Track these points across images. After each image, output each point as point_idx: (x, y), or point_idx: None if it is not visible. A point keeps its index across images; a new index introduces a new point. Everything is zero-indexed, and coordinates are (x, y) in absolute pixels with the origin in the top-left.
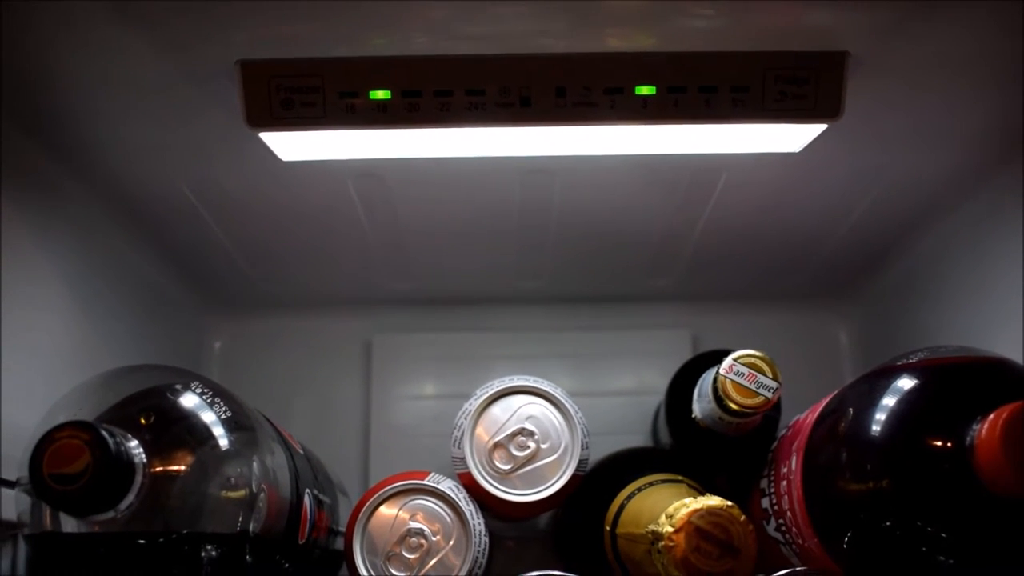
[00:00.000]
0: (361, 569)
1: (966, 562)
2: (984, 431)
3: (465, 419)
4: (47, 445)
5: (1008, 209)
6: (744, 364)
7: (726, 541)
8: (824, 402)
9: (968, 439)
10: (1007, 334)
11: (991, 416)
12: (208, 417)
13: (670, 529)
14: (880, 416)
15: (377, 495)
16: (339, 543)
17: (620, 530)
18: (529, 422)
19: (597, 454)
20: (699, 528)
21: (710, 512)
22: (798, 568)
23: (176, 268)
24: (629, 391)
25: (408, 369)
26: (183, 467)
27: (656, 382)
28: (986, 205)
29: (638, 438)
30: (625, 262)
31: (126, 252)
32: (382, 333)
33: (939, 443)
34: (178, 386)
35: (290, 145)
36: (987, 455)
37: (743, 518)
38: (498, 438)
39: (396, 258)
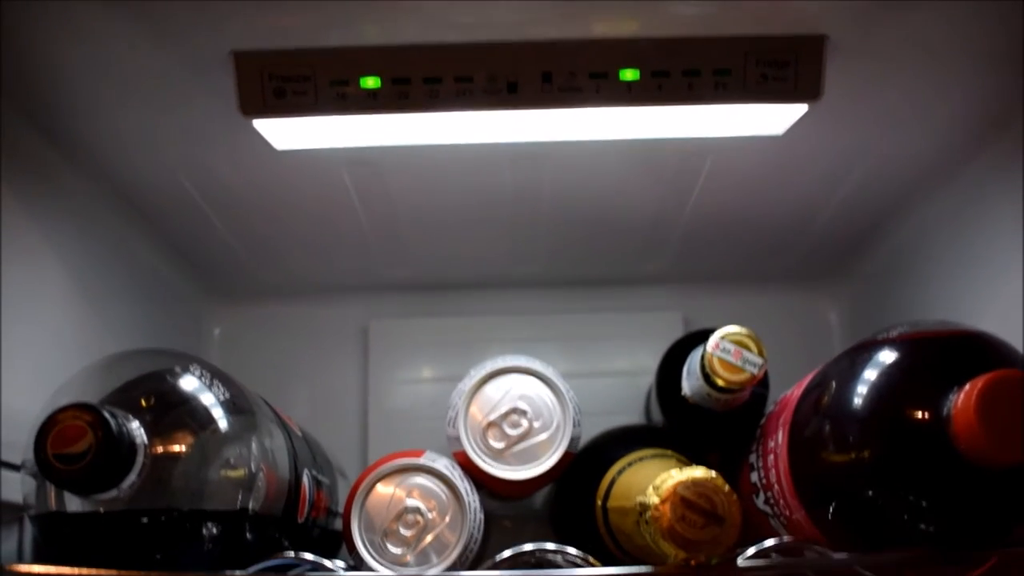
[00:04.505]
0: (359, 546)
1: (946, 530)
2: (960, 401)
3: (459, 399)
4: (51, 426)
5: (990, 187)
6: (730, 341)
7: (710, 510)
8: (809, 377)
9: (945, 410)
10: (994, 309)
11: (967, 386)
12: (207, 399)
13: (656, 500)
14: (861, 389)
15: (374, 474)
16: (338, 523)
17: (611, 504)
18: (522, 401)
19: (591, 434)
20: (684, 498)
21: (695, 482)
22: (784, 538)
23: (175, 256)
24: (622, 372)
25: (405, 354)
26: (183, 447)
27: (649, 363)
28: (969, 184)
29: (631, 418)
30: (616, 246)
31: (126, 240)
32: (379, 318)
33: (918, 414)
34: (178, 369)
35: (284, 133)
36: (963, 425)
37: (727, 488)
38: (492, 417)
39: (391, 245)
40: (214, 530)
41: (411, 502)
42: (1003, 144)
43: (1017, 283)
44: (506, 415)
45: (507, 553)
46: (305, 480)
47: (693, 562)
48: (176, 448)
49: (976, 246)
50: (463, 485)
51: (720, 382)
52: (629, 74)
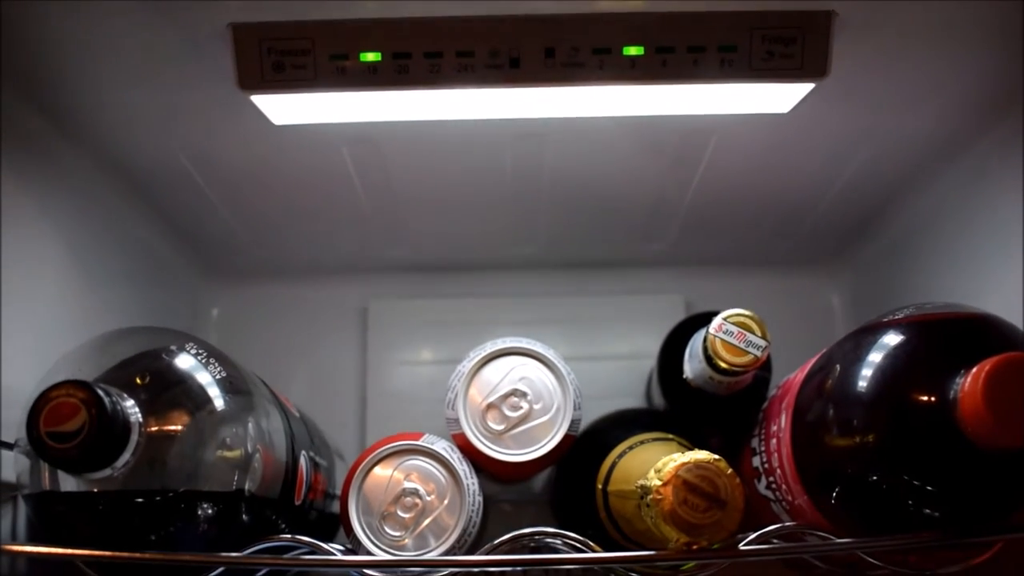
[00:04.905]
0: (357, 529)
1: (951, 514)
2: (967, 384)
3: (459, 381)
4: (44, 404)
5: (994, 170)
6: (733, 323)
7: (713, 494)
8: (812, 361)
9: (952, 393)
10: (998, 292)
11: (974, 370)
12: (203, 378)
13: (658, 483)
14: (866, 372)
15: (372, 456)
16: (336, 506)
17: (612, 488)
18: (522, 383)
19: (592, 417)
20: (686, 481)
21: (697, 465)
22: (787, 523)
23: (174, 235)
24: (624, 355)
25: (404, 335)
26: (179, 426)
27: (650, 346)
28: (973, 166)
29: (633, 401)
30: (618, 227)
31: (125, 219)
32: (378, 299)
33: (924, 397)
34: (174, 347)
35: (282, 108)
36: (970, 408)
37: (730, 471)
38: (491, 399)
39: (391, 224)
40: (209, 511)
41: (409, 485)
42: (1007, 125)
43: (1021, 265)
44: (506, 397)
45: (506, 537)
46: (302, 462)
47: (695, 546)
48: (171, 427)
49: (980, 228)
50: (462, 468)
51: (723, 365)
52: (633, 50)
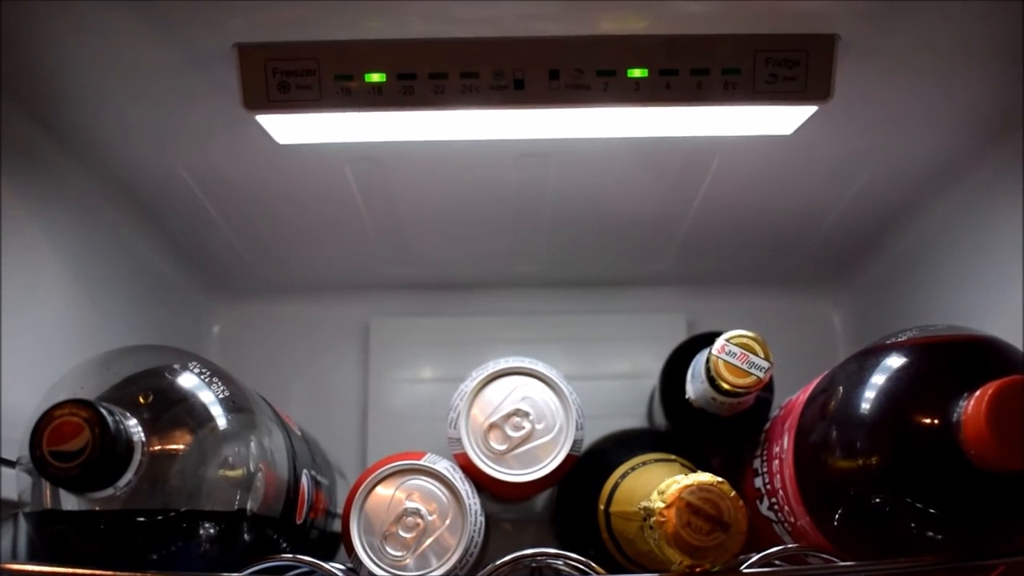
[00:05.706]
0: (358, 549)
1: (955, 537)
2: (971, 407)
3: (461, 400)
4: (47, 423)
5: (997, 191)
6: (736, 344)
7: (716, 516)
8: (815, 382)
9: (955, 415)
10: (1000, 315)
11: (977, 392)
12: (206, 397)
13: (661, 505)
14: (869, 394)
15: (374, 475)
16: (337, 525)
17: (614, 508)
18: (524, 403)
19: (594, 437)
20: (690, 504)
21: (700, 488)
22: (790, 545)
23: (176, 252)
24: (625, 374)
25: (405, 353)
26: (181, 446)
27: (652, 365)
28: (975, 187)
29: (634, 421)
30: (620, 246)
31: (127, 236)
32: (380, 317)
33: (927, 420)
34: (177, 366)
35: (287, 128)
36: (974, 431)
37: (733, 493)
38: (493, 419)
39: (393, 242)
40: (211, 530)
41: (411, 504)
42: (1009, 146)
43: (1022, 286)
44: (508, 417)
45: (507, 558)
46: (304, 480)
47: (698, 569)
48: (174, 446)
49: (982, 249)
50: (464, 487)
51: (725, 386)
52: (637, 72)
